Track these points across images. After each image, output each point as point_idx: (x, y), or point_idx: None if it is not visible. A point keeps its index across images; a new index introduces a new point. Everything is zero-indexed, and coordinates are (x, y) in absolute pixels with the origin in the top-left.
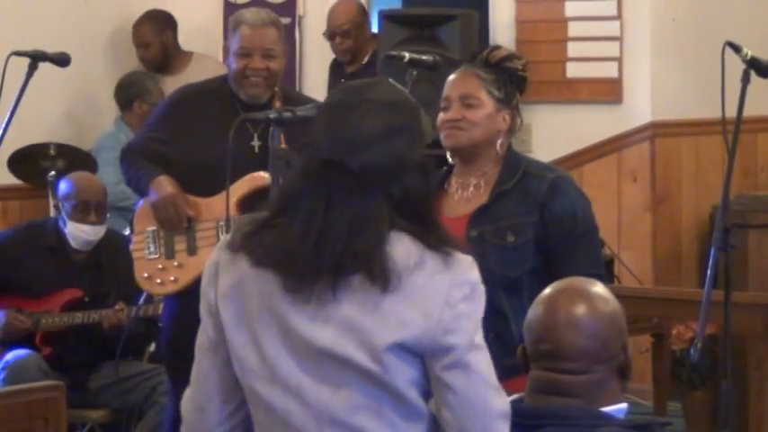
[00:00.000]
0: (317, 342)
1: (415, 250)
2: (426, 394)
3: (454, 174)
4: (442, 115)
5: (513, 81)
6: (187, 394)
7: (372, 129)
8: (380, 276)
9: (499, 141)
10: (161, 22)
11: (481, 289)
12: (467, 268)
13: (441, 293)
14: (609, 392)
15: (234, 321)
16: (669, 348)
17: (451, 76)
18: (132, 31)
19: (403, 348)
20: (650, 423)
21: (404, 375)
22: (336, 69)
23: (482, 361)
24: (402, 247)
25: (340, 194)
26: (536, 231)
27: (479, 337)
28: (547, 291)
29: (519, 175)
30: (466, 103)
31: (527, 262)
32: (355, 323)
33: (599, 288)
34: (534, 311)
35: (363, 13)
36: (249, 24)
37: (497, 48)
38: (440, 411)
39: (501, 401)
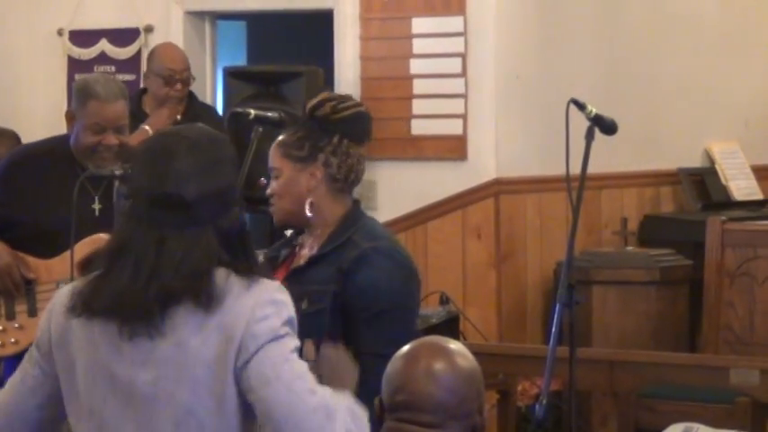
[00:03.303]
0: (138, 386)
1: (225, 277)
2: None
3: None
4: None
5: (325, 129)
6: None
7: (196, 161)
8: (205, 301)
9: (309, 201)
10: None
11: (286, 307)
12: (271, 290)
13: (244, 315)
14: None
15: (64, 370)
16: (514, 404)
17: None
18: None
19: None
20: None
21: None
22: (138, 117)
23: (282, 370)
24: (219, 277)
25: (171, 232)
26: (335, 301)
27: (285, 352)
28: (407, 346)
29: (341, 241)
30: (273, 176)
31: (319, 331)
32: (174, 359)
33: (459, 347)
34: (393, 365)
35: None
36: (101, 100)
37: (312, 99)
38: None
39: (314, 399)
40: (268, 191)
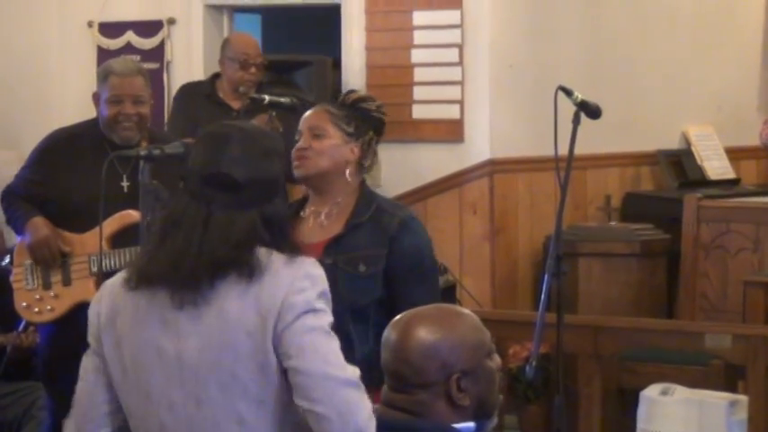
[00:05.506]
0: (185, 355)
1: (268, 254)
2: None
3: (309, 202)
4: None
5: (366, 120)
6: (70, 418)
7: (250, 149)
8: (248, 272)
9: (348, 171)
10: None
11: (320, 281)
12: (308, 265)
13: (283, 287)
14: (436, 413)
15: (111, 348)
16: (506, 366)
17: (307, 113)
18: None
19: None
20: None
21: (265, 377)
22: (213, 100)
23: (319, 342)
24: (262, 253)
25: (219, 211)
26: (385, 263)
27: (322, 325)
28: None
29: (373, 210)
30: (314, 133)
31: (375, 291)
32: (217, 326)
33: (441, 318)
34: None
35: None
36: (118, 74)
37: (354, 91)
38: (295, 399)
39: (347, 373)
40: (302, 143)
